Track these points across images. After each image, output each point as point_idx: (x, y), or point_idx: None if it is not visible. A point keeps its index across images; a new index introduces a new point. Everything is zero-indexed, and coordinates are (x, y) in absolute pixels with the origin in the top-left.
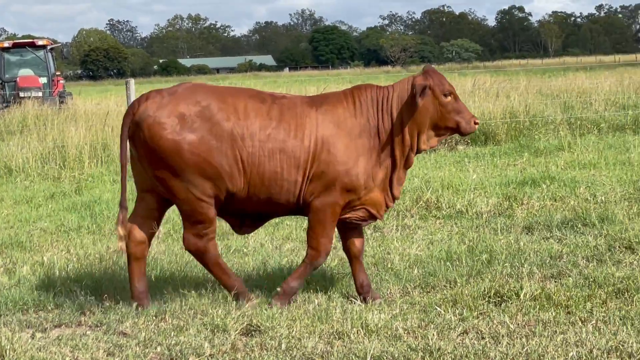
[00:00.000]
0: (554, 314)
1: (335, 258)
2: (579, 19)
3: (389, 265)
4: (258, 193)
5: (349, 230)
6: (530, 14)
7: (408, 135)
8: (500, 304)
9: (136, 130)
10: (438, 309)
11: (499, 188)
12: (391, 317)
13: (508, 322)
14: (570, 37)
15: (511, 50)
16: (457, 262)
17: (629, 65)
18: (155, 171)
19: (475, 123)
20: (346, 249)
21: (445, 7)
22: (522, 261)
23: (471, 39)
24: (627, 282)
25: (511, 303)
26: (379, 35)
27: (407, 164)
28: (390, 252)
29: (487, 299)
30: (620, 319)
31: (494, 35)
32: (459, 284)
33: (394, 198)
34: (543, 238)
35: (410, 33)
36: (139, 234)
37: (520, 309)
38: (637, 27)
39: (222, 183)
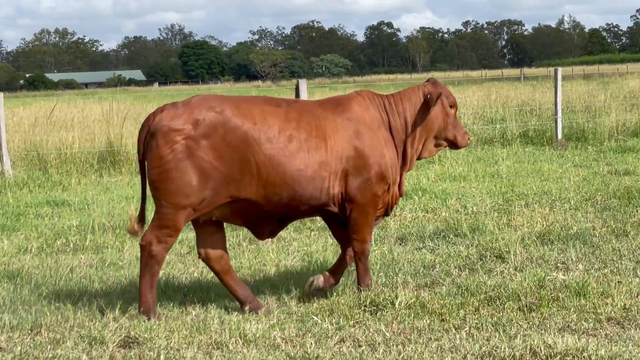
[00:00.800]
0: (428, 321)
1: (209, 272)
2: (446, 35)
3: (265, 277)
4: (279, 193)
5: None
6: (398, 30)
7: (417, 139)
8: (376, 313)
9: (150, 140)
10: (315, 318)
11: None
12: (269, 327)
13: (384, 330)
14: (438, 53)
15: (380, 66)
16: None
17: (495, 80)
18: (156, 174)
19: (468, 138)
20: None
21: (315, 23)
22: (397, 271)
23: (341, 54)
24: (498, 290)
25: (387, 311)
26: (249, 50)
27: (410, 167)
28: (266, 263)
29: (363, 308)
30: (493, 325)
31: (363, 51)
32: (335, 294)
33: (401, 195)
34: (416, 248)
35: (280, 48)
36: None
37: (395, 317)
38: (503, 42)
39: (225, 189)
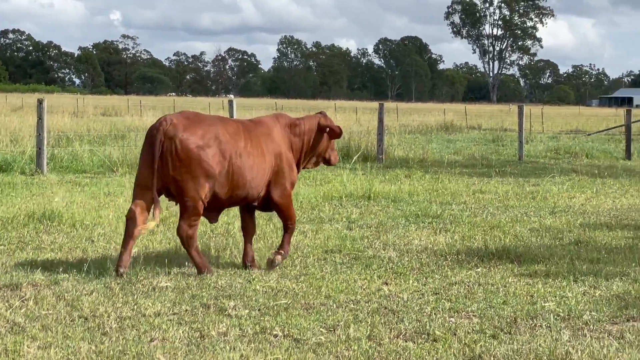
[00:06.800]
0: None
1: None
2: None
3: None
4: (239, 193)
5: (247, 215)
6: None
7: (304, 155)
8: None
9: (169, 143)
10: None
11: None
12: None
13: None
14: None
15: None
16: None
17: None
18: (176, 174)
19: (337, 159)
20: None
21: None
22: None
23: None
24: None
25: None
26: None
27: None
28: None
29: None
30: None
31: None
32: None
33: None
34: None
35: None
36: (140, 218)
37: None
38: None
39: (212, 187)
